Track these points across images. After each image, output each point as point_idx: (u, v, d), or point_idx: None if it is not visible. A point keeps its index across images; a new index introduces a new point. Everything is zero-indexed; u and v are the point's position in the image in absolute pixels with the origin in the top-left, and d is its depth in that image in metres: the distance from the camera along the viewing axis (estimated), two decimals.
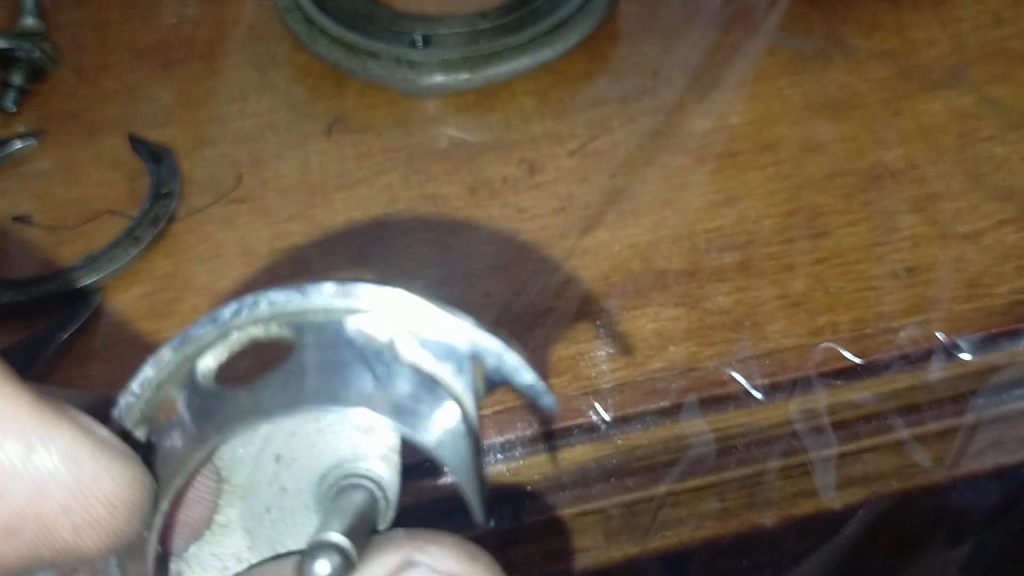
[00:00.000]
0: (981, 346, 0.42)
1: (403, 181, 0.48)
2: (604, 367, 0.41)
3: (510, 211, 0.47)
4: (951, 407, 0.43)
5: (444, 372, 0.20)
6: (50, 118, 0.52)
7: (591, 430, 0.41)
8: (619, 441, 0.41)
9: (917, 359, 0.42)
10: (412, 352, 0.20)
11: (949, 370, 0.42)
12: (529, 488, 0.41)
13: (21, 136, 0.50)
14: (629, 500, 0.42)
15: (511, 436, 0.40)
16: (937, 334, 0.42)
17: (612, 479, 0.41)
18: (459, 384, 0.21)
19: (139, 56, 0.55)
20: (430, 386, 0.20)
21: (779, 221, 0.46)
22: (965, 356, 0.42)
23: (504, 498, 0.41)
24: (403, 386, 0.20)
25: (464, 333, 0.20)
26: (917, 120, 0.49)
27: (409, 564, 0.21)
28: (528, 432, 0.40)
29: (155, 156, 0.48)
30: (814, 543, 0.45)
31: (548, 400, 0.21)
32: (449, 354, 0.20)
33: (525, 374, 0.20)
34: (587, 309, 0.43)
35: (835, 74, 0.51)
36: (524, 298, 0.44)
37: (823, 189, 0.47)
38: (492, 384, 0.21)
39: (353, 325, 0.20)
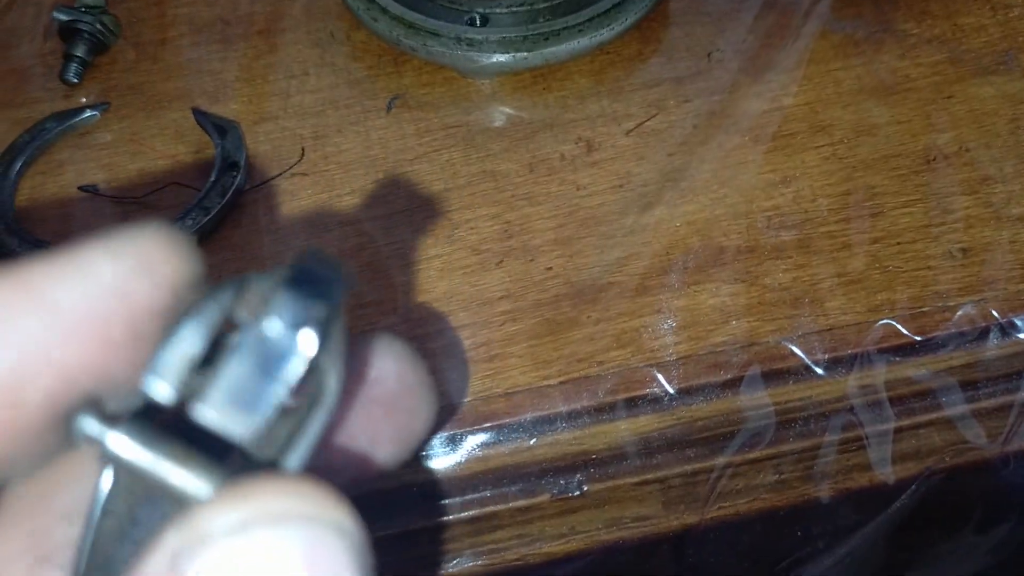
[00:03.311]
0: None
1: (463, 158, 0.49)
2: (667, 340, 0.42)
3: (569, 188, 0.48)
4: (1005, 384, 0.43)
5: None
6: (112, 91, 0.53)
7: (654, 401, 0.41)
8: (681, 412, 0.42)
9: (973, 337, 0.43)
10: None
11: (1005, 348, 0.43)
12: (593, 457, 0.42)
13: (85, 107, 0.51)
14: (689, 471, 0.43)
15: (576, 406, 0.41)
16: (993, 312, 0.43)
17: (673, 450, 0.42)
18: None
19: (197, 31, 0.55)
20: None
21: (835, 201, 0.46)
22: (1022, 335, 0.42)
23: (567, 467, 0.42)
24: None
25: None
26: (968, 105, 0.50)
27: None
28: (593, 402, 0.41)
29: (220, 129, 0.49)
30: (867, 516, 0.46)
31: None
32: None
33: None
34: (648, 284, 0.44)
35: (886, 58, 0.52)
36: (586, 272, 0.45)
37: (877, 171, 0.48)
38: None
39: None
